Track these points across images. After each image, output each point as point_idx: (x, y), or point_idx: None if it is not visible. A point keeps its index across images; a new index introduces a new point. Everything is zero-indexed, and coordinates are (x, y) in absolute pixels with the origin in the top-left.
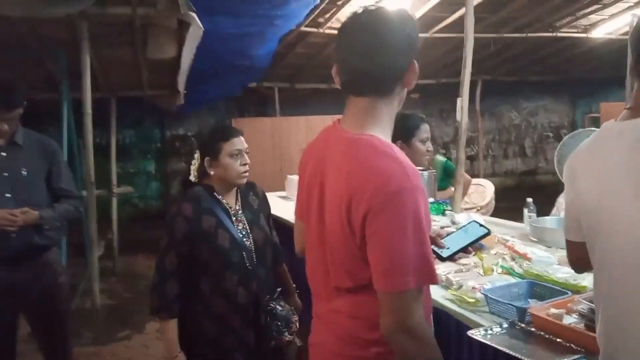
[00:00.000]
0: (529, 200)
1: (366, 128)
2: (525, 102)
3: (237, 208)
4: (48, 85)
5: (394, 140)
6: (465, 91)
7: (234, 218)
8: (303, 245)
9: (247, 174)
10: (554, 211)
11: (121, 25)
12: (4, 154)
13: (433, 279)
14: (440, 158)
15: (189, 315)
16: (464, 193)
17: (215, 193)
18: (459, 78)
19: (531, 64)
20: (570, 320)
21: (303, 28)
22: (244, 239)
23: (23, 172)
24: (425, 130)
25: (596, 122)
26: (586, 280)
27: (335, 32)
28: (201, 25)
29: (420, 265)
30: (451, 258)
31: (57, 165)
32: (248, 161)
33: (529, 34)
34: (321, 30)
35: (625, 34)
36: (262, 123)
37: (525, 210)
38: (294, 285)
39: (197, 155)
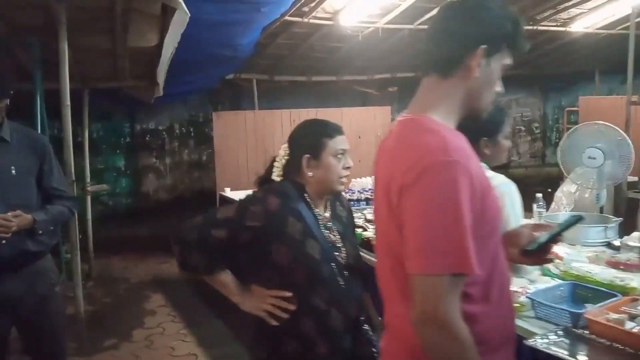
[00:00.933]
0: (539, 195)
1: (423, 109)
2: (513, 95)
3: (327, 217)
4: (18, 75)
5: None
6: None
7: (324, 227)
8: None
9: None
10: (553, 206)
11: (100, 10)
12: None
13: (465, 267)
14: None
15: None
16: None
17: (306, 195)
18: None
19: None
20: (631, 325)
21: (287, 17)
22: (336, 253)
23: (12, 170)
24: (508, 124)
25: (575, 115)
26: (635, 280)
27: (320, 22)
28: (187, 11)
29: (451, 248)
30: (539, 251)
31: (48, 163)
32: (351, 164)
33: None
34: (305, 20)
35: (604, 27)
36: (244, 117)
37: (535, 206)
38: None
39: (284, 149)
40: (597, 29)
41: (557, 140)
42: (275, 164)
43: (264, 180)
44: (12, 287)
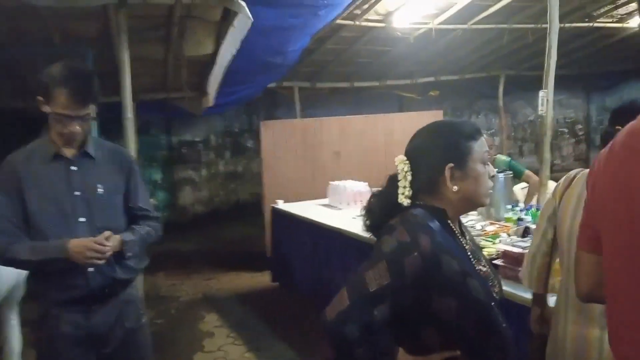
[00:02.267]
0: None
1: None
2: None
3: (470, 243)
4: None
5: None
6: (550, 83)
7: (473, 258)
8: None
9: None
10: None
11: (158, 18)
12: (74, 167)
13: None
14: (503, 157)
15: None
16: (533, 195)
17: (449, 221)
18: (482, 74)
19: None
20: None
21: (338, 21)
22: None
23: (99, 190)
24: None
25: None
26: None
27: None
28: (250, 15)
29: None
30: None
31: (134, 180)
32: (494, 172)
33: (567, 24)
34: (357, 23)
35: None
36: (292, 125)
37: None
38: None
39: (403, 163)
40: None
41: (601, 143)
42: (400, 183)
43: (391, 208)
44: (100, 320)
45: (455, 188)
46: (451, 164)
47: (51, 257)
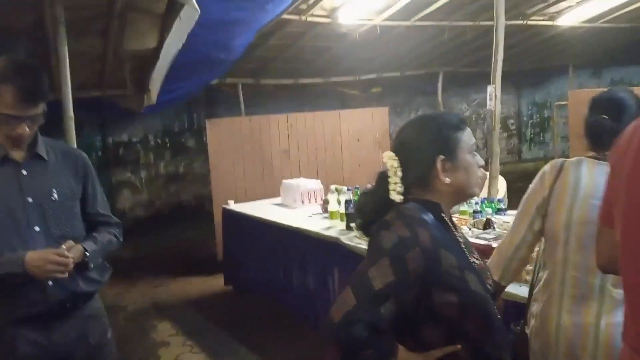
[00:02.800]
0: None
1: None
2: (474, 93)
3: (463, 236)
4: None
5: None
6: (498, 78)
7: (467, 251)
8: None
9: None
10: None
11: (97, 9)
12: (24, 172)
13: None
14: None
15: None
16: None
17: (443, 214)
18: (421, 71)
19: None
20: None
21: (284, 16)
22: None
23: (54, 195)
24: None
25: (564, 110)
26: None
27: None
28: (197, 7)
29: None
30: None
31: (92, 184)
32: (482, 162)
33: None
34: (303, 18)
35: (588, 21)
36: (239, 123)
37: None
38: None
39: (392, 159)
40: (581, 22)
41: (532, 136)
42: (390, 179)
43: (382, 205)
44: (61, 336)
45: (447, 180)
46: (442, 156)
47: (6, 272)
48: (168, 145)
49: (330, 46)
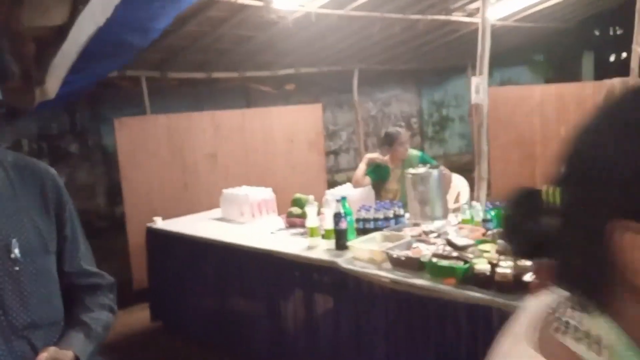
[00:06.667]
0: None
1: None
2: (380, 92)
3: None
4: None
5: None
6: (485, 68)
7: None
8: None
9: None
10: None
11: None
12: None
13: None
14: (414, 152)
15: None
16: (448, 190)
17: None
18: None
19: (404, 53)
20: None
21: None
22: None
23: (14, 251)
24: None
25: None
26: None
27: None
28: None
29: None
30: None
31: (70, 221)
32: None
33: (429, 16)
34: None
35: (501, 19)
36: (155, 123)
37: None
38: None
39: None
40: (497, 20)
41: (433, 134)
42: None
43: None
44: None
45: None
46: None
47: None
48: (45, 151)
49: (253, 36)
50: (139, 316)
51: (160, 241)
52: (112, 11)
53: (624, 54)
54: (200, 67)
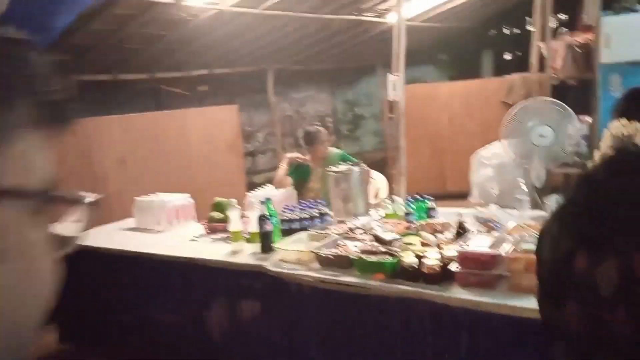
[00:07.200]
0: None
1: None
2: (294, 93)
3: None
4: None
5: None
6: (401, 67)
7: None
8: None
9: None
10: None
11: None
12: None
13: None
14: (336, 151)
15: None
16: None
17: None
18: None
19: (318, 53)
20: None
21: None
22: None
23: None
24: None
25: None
26: None
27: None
28: None
29: None
30: None
31: None
32: None
33: (343, 16)
34: None
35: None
36: None
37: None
38: None
39: None
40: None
41: (347, 133)
42: None
43: None
44: None
45: None
46: None
47: None
48: None
49: (163, 35)
50: (44, 338)
51: (70, 256)
52: (6, 5)
53: (519, 53)
54: (106, 69)
